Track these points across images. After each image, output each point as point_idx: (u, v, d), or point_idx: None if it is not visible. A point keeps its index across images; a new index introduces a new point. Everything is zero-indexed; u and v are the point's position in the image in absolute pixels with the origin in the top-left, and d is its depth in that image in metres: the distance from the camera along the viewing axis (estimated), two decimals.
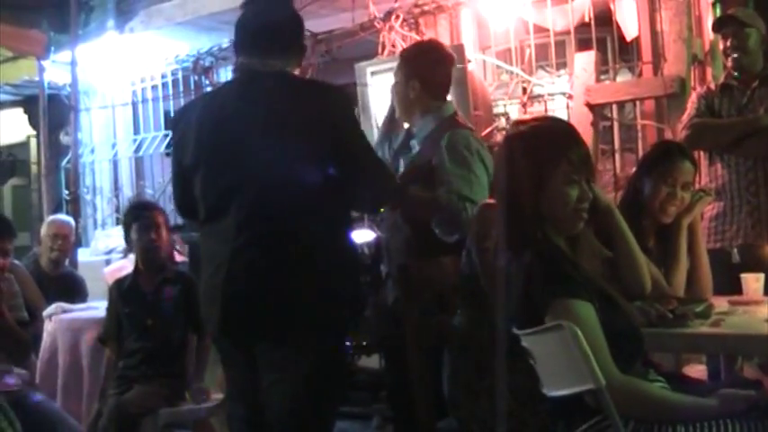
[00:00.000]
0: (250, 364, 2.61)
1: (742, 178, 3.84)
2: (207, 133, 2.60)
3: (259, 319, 2.53)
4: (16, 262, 3.72)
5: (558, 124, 2.42)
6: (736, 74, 3.92)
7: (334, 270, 2.58)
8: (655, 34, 5.02)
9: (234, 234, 2.52)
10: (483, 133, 4.93)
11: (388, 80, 3.78)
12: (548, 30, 5.42)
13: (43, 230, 5.27)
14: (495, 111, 5.45)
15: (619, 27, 5.20)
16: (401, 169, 3.48)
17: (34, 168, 8.83)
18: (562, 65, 5.61)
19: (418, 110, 3.46)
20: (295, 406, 2.54)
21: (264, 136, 2.52)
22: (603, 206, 2.46)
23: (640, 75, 5.20)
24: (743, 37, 3.87)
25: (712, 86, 4.05)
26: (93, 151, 8.11)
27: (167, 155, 7.61)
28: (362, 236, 4.03)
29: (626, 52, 5.45)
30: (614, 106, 5.36)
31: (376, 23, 5.77)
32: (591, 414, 2.09)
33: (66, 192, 7.44)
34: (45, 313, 4.50)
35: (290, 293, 2.51)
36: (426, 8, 5.81)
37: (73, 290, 5.16)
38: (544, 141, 2.22)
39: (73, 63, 6.70)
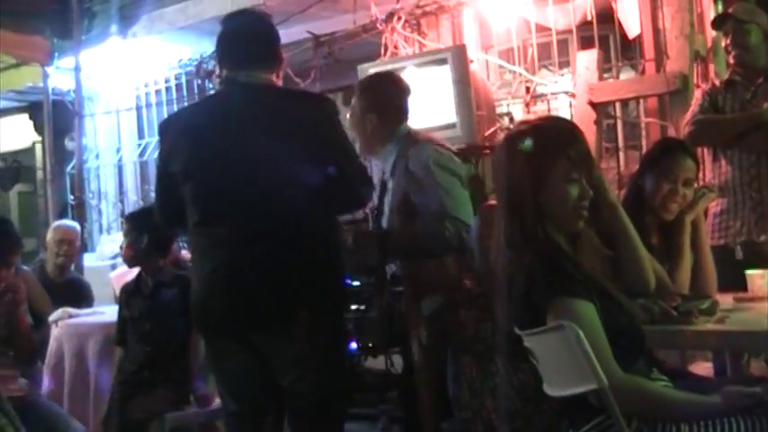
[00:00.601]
0: (247, 356, 2.76)
1: (745, 174, 3.83)
2: (199, 142, 2.76)
3: (262, 309, 2.69)
4: (24, 267, 3.75)
5: (558, 122, 2.42)
6: (739, 70, 3.92)
7: (323, 261, 2.78)
8: (657, 31, 5.02)
9: (231, 234, 2.70)
10: (486, 133, 4.92)
11: None
12: (550, 29, 5.42)
13: (49, 236, 5.28)
14: (499, 110, 5.44)
15: (621, 25, 5.20)
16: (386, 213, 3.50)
17: (39, 174, 8.87)
18: (565, 63, 5.60)
19: (379, 143, 3.48)
20: (312, 382, 2.75)
21: (254, 142, 2.70)
22: (608, 202, 2.46)
23: (643, 72, 5.20)
24: (743, 34, 3.86)
25: (717, 83, 4.04)
26: (97, 156, 8.12)
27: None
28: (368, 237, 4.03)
29: (628, 50, 5.45)
30: (617, 104, 5.35)
31: (378, 25, 5.77)
32: (594, 413, 2.09)
33: (72, 197, 7.47)
34: (51, 318, 4.52)
35: (289, 285, 2.69)
36: (428, 9, 5.81)
37: (79, 295, 5.17)
38: (543, 139, 2.22)
39: (76, 69, 6.72)
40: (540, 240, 2.19)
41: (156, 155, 7.57)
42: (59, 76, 7.13)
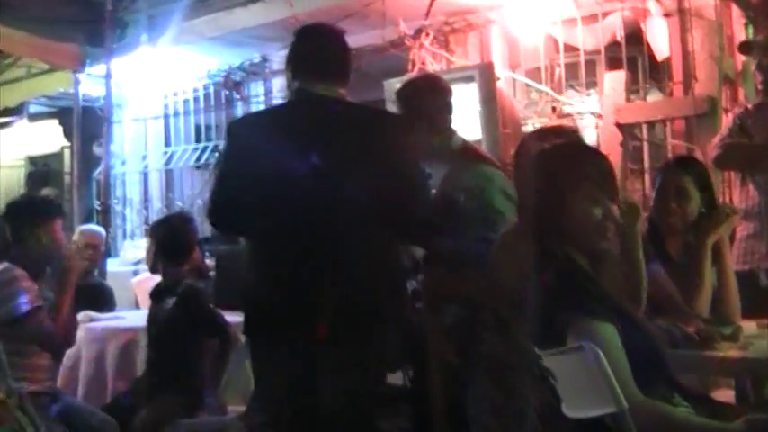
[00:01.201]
0: (296, 367, 2.71)
1: None
2: (277, 150, 2.72)
3: (325, 321, 2.65)
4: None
5: (579, 143, 2.42)
6: None
7: (394, 284, 2.84)
8: (686, 54, 5.00)
9: (302, 245, 2.69)
10: (511, 151, 4.91)
11: None
12: (578, 49, 5.41)
13: (74, 240, 5.31)
14: (524, 129, 5.44)
15: (649, 46, 5.18)
16: None
17: (67, 179, 8.94)
18: (592, 84, 5.59)
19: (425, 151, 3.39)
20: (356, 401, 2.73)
21: (332, 156, 2.69)
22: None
23: (671, 94, 5.18)
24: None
25: (749, 107, 4.02)
26: (124, 163, 8.20)
27: (197, 168, 7.68)
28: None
29: (657, 72, 5.42)
30: (644, 126, 5.33)
31: (406, 41, 5.80)
32: None
33: (97, 202, 7.52)
34: None
35: (361, 303, 2.69)
36: (456, 26, 5.83)
37: (101, 299, 5.19)
38: (565, 161, 2.22)
39: (107, 76, 6.80)
40: (561, 261, 2.18)
41: (181, 164, 7.70)
42: (90, 83, 7.21)
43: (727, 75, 4.78)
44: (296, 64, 2.89)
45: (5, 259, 3.70)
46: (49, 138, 9.39)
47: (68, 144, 8.60)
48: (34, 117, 9.18)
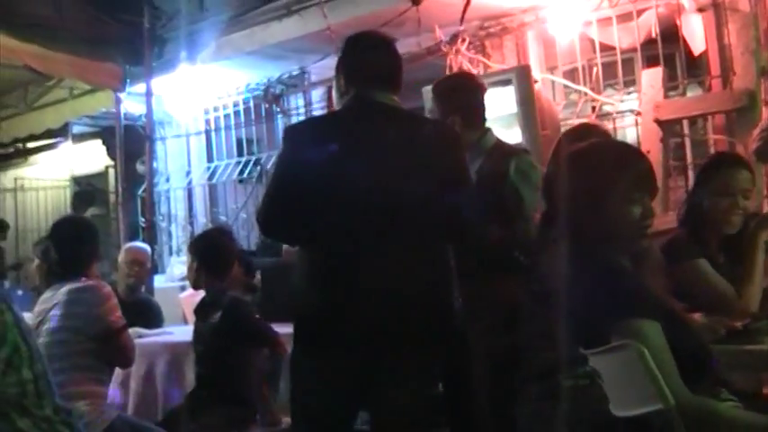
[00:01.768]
0: (344, 377, 2.69)
1: None
2: (337, 157, 2.72)
3: (382, 332, 2.63)
4: (103, 283, 3.83)
5: (616, 141, 2.42)
6: None
7: (449, 294, 2.85)
8: (722, 48, 4.97)
9: (360, 252, 2.68)
10: None
11: None
12: (614, 48, 5.39)
13: (120, 257, 5.39)
14: (564, 130, 5.41)
15: (686, 42, 5.15)
16: None
17: (112, 198, 9.08)
18: (630, 82, 5.57)
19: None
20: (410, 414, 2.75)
21: (390, 164, 2.72)
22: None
23: (709, 89, 5.13)
24: None
25: None
26: (167, 179, 8.31)
27: (240, 182, 7.75)
28: None
29: (695, 67, 5.38)
30: (685, 122, 5.29)
31: (442, 47, 5.81)
32: None
33: (143, 219, 7.63)
34: None
35: (419, 311, 2.67)
36: (492, 30, 5.84)
37: (148, 315, 5.25)
38: (602, 159, 2.22)
39: (148, 94, 6.88)
40: (602, 260, 2.18)
41: (224, 178, 7.78)
42: (131, 102, 7.31)
43: (764, 67, 4.74)
44: (351, 71, 2.90)
45: (54, 279, 3.76)
46: (92, 157, 9.55)
47: (112, 163, 8.72)
48: (78, 137, 9.33)
